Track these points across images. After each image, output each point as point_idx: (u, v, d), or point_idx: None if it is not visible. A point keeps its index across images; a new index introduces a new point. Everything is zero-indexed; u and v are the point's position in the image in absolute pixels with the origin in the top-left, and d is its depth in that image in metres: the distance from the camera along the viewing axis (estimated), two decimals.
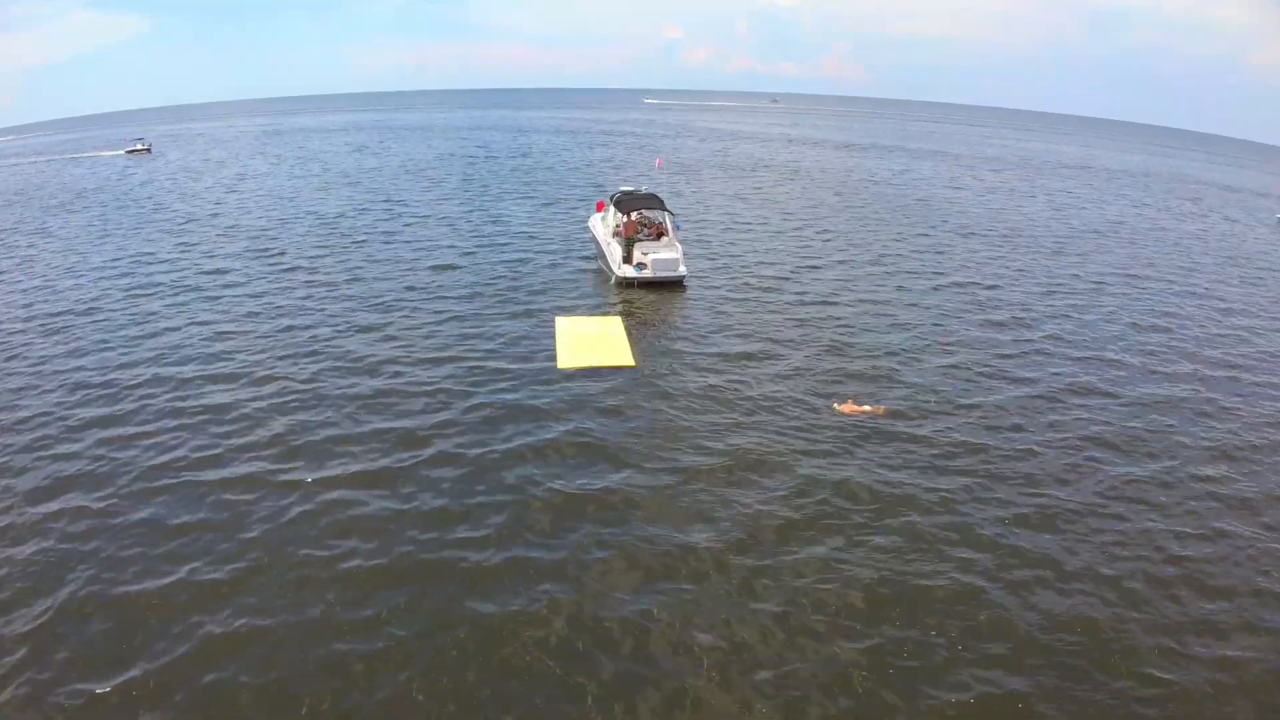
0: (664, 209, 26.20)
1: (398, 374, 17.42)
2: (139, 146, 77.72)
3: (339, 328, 20.61)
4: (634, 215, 25.89)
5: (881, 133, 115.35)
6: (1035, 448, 14.61)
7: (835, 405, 15.93)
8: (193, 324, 21.01)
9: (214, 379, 17.29)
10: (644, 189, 28.04)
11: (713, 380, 17.37)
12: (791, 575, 10.71)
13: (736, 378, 17.50)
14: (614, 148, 75.21)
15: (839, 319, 21.95)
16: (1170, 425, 15.91)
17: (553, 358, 18.43)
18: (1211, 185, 67.66)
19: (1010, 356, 19.41)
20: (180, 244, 31.12)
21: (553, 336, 19.83)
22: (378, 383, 16.95)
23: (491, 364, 18.05)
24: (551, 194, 43.99)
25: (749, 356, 18.87)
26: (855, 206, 41.99)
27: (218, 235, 32.51)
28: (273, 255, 28.69)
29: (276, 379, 17.25)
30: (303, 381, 17.04)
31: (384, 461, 13.64)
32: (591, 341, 19.26)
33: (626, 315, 22.05)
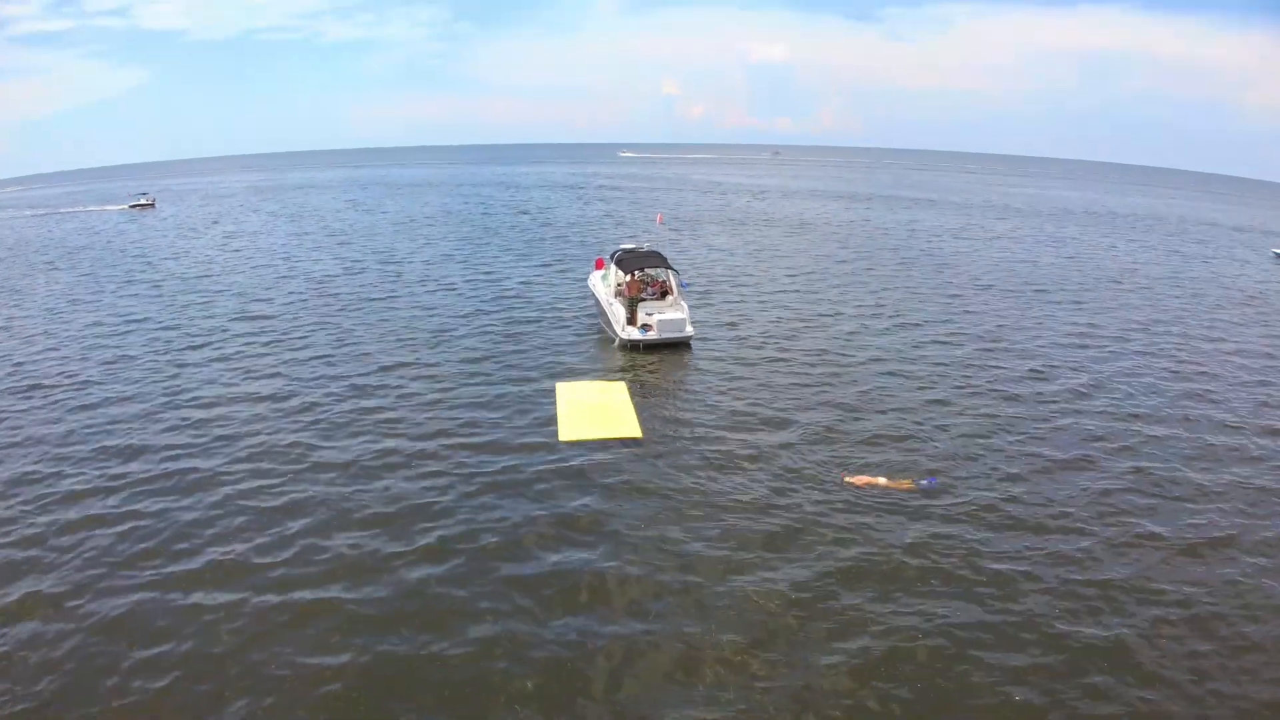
0: (668, 266, 25.46)
1: (388, 451, 16.38)
2: (143, 201, 77.97)
3: (332, 393, 19.71)
4: (637, 274, 25.13)
5: (881, 183, 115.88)
6: (1081, 525, 13.45)
7: (845, 478, 14.85)
8: (175, 391, 20.10)
9: (196, 450, 16.30)
10: (646, 246, 27.38)
11: (721, 450, 16.38)
12: (801, 683, 9.54)
13: (746, 449, 16.45)
14: (612, 202, 75.35)
15: (852, 380, 20.99)
16: (1218, 485, 14.76)
17: (554, 427, 17.45)
18: (1222, 226, 67.06)
19: (1038, 421, 18.33)
20: (168, 306, 30.54)
21: (554, 404, 18.86)
22: (367, 459, 15.94)
23: (489, 437, 17.05)
24: (549, 251, 43.53)
25: (759, 423, 17.89)
26: (863, 259, 41.42)
27: (204, 299, 31.81)
28: (261, 320, 27.89)
29: (262, 452, 16.27)
30: (287, 451, 16.04)
31: (373, 547, 12.56)
32: (594, 411, 18.26)
33: (631, 380, 21.11)
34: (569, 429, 17.22)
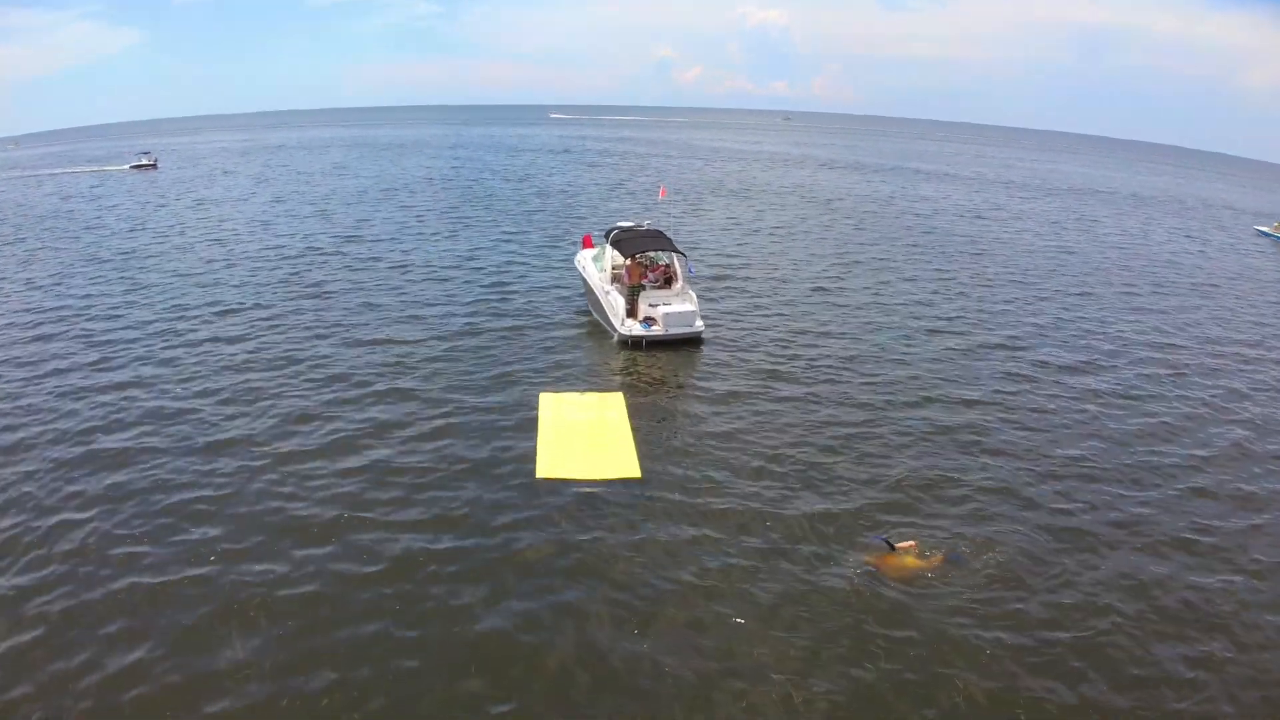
0: (673, 249, 21.70)
1: (313, 491, 12.84)
2: (144, 161, 73.19)
3: (266, 407, 16.08)
4: (637, 258, 21.43)
5: (889, 153, 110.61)
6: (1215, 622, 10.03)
7: (866, 558, 11.22)
8: (110, 399, 16.50)
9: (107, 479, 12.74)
10: (646, 224, 23.54)
11: (736, 492, 13.02)
12: None
13: (765, 493, 13.03)
14: (603, 169, 69.47)
15: (891, 392, 17.49)
16: None
17: (530, 455, 13.96)
18: (1239, 210, 62.84)
19: (1115, 471, 14.82)
20: (133, 285, 26.40)
21: (534, 419, 15.33)
22: (279, 501, 12.41)
23: (445, 470, 13.49)
24: (537, 223, 39.04)
25: (780, 456, 14.40)
26: (887, 240, 37.25)
27: (173, 276, 27.63)
28: (218, 310, 23.61)
29: (169, 483, 12.74)
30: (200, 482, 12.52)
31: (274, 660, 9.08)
32: (583, 435, 14.73)
33: (629, 387, 17.60)
34: (550, 462, 13.66)
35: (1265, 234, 48.30)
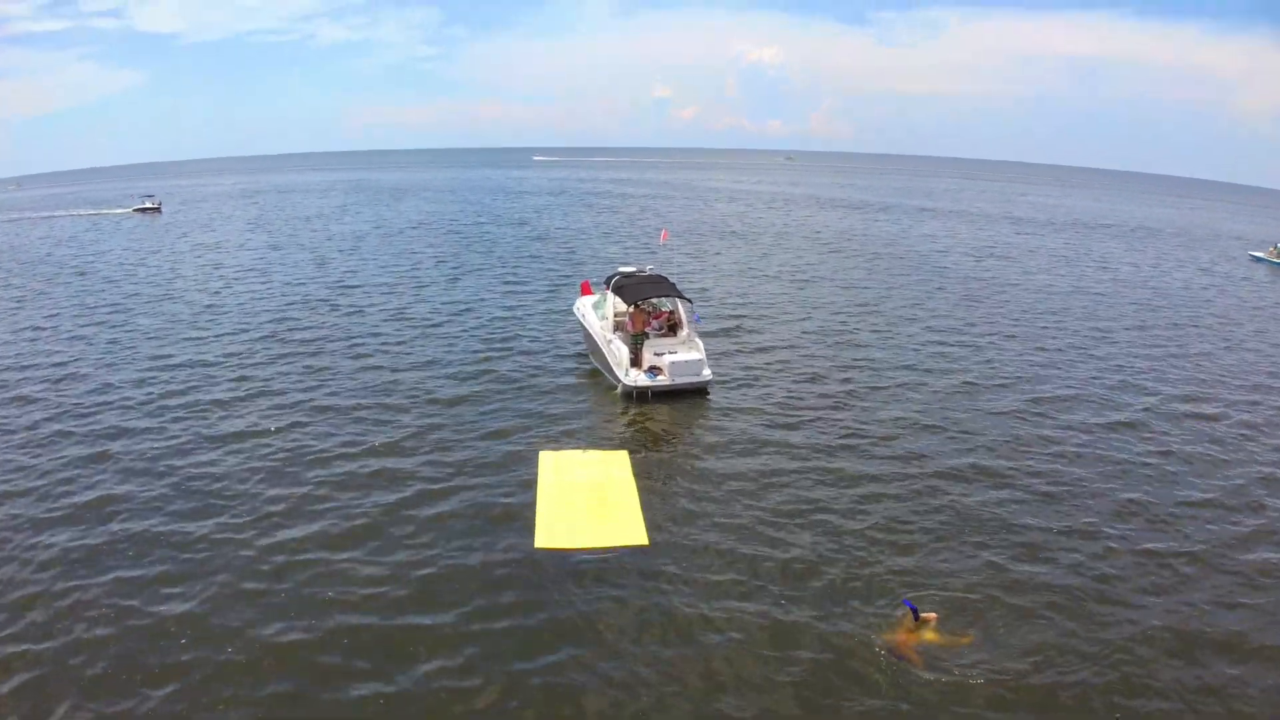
0: (677, 294, 20.89)
1: (301, 566, 11.81)
2: (148, 205, 72.97)
3: (238, 474, 15.07)
4: (640, 304, 20.58)
5: (891, 190, 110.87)
6: None
7: (883, 638, 10.21)
8: (82, 460, 15.52)
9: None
10: (648, 268, 22.79)
11: (748, 562, 12.09)
12: None
13: (778, 559, 12.13)
14: (601, 212, 68.59)
15: (910, 447, 16.53)
16: None
17: (529, 513, 12.99)
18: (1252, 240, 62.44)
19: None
20: (111, 340, 25.08)
21: (533, 480, 14.32)
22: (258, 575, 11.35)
23: (440, 550, 12.44)
24: (537, 270, 38.07)
25: (797, 517, 13.46)
26: (896, 283, 36.46)
27: (150, 334, 26.51)
28: (185, 369, 22.81)
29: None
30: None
31: None
32: (586, 498, 13.68)
33: (634, 441, 16.71)
34: (551, 530, 12.58)
35: (1260, 259, 48.67)
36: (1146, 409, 19.22)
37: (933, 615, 10.28)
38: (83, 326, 26.64)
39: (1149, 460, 16.17)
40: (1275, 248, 48.53)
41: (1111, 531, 13.15)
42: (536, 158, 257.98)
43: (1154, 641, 10.22)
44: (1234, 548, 12.80)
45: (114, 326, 26.48)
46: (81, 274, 37.67)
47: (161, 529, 12.86)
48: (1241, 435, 17.85)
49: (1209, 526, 13.50)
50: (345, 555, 12.07)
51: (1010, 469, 15.52)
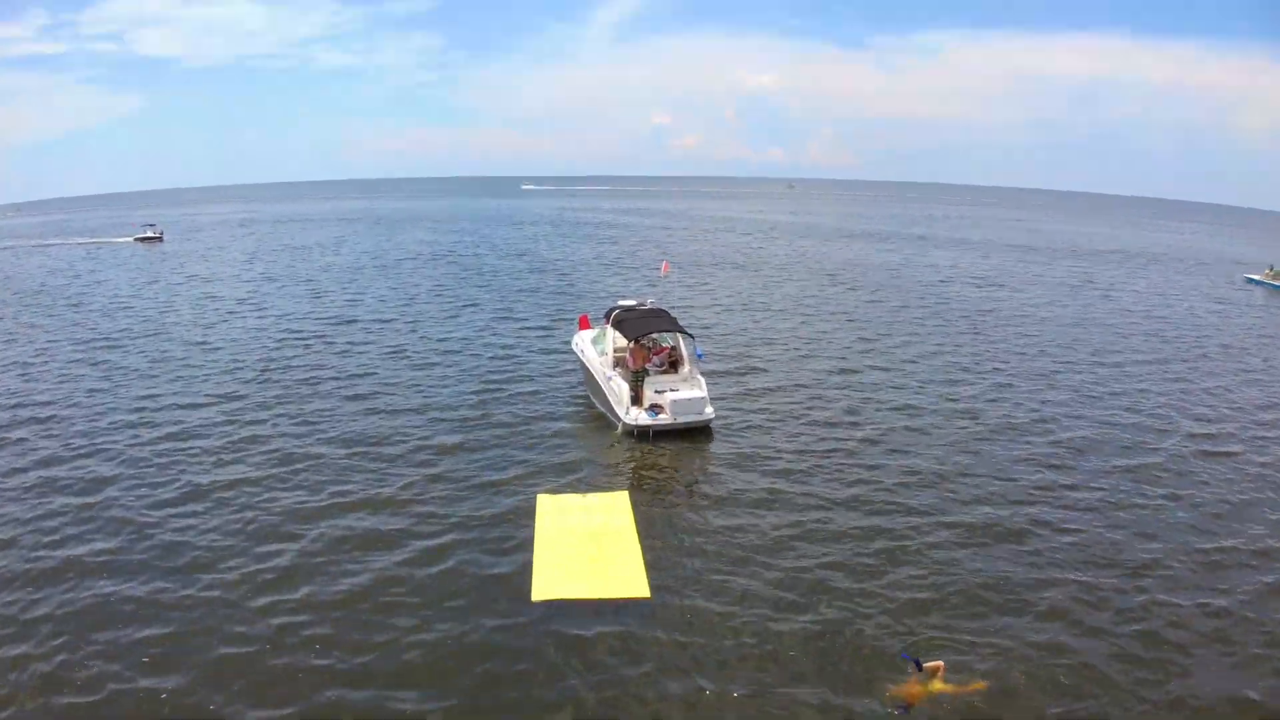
0: (678, 329, 20.44)
1: (288, 628, 11.17)
2: (150, 234, 72.85)
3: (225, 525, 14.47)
4: (641, 340, 20.09)
5: (892, 219, 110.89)
6: None
7: (891, 693, 9.67)
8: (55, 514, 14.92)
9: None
10: (649, 302, 22.37)
11: (753, 611, 11.53)
12: None
13: (782, 606, 11.59)
14: (601, 243, 68.28)
15: (921, 489, 15.97)
16: None
17: (526, 565, 12.38)
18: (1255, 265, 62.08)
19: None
20: (104, 376, 24.59)
21: (530, 526, 13.70)
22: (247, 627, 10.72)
23: (432, 607, 11.74)
24: (535, 303, 37.51)
25: (802, 561, 12.92)
26: (903, 315, 35.92)
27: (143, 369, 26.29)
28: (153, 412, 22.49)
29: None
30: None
31: None
32: (585, 544, 13.06)
33: (636, 485, 16.17)
34: (548, 581, 11.95)
35: (1256, 281, 49.26)
36: (1166, 451, 18.53)
37: (939, 664, 9.76)
38: (73, 364, 26.07)
39: (1169, 504, 15.55)
40: (1271, 269, 49.25)
41: (1134, 585, 12.50)
42: (525, 186, 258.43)
43: (1181, 704, 9.61)
44: (1266, 601, 12.16)
45: (105, 365, 25.86)
46: (75, 306, 37.26)
47: (142, 590, 12.14)
48: (1264, 475, 17.24)
49: (1235, 575, 12.88)
50: (337, 616, 11.39)
51: (1025, 521, 14.77)
